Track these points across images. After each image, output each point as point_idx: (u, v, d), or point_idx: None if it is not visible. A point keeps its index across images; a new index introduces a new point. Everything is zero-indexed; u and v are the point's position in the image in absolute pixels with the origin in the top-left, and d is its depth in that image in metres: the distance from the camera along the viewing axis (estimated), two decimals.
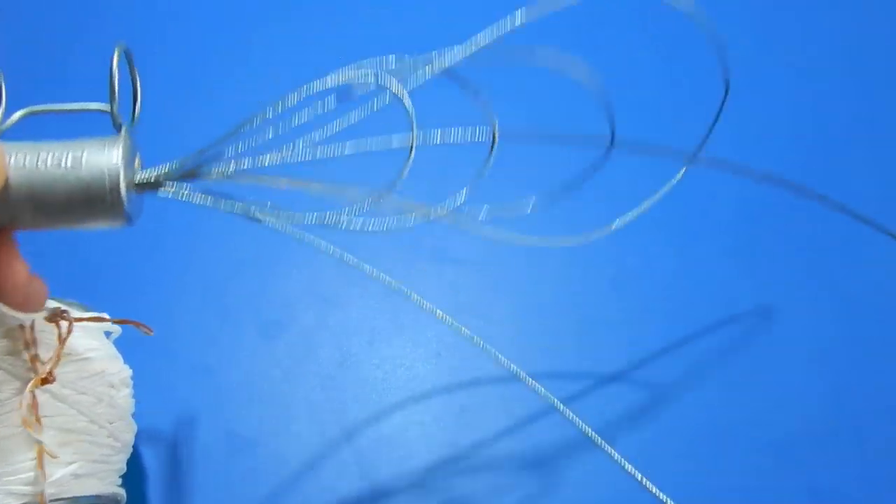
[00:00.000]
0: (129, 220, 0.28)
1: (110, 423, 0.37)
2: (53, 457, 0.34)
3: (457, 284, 0.49)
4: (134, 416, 0.39)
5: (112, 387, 0.37)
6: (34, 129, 0.29)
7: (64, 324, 0.34)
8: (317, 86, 0.26)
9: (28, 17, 0.58)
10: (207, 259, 0.49)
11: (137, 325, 0.39)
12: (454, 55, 0.25)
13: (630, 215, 0.34)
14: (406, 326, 0.48)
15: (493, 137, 0.27)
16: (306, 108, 0.27)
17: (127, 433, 0.38)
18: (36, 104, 0.30)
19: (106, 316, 0.38)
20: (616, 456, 0.40)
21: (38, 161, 0.27)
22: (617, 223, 0.33)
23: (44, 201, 0.27)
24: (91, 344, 0.37)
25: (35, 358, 0.34)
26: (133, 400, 0.39)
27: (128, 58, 0.29)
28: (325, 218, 0.28)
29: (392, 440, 0.44)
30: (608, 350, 0.47)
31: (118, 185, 0.27)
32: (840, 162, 0.54)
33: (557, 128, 0.52)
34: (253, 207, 0.29)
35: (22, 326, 0.33)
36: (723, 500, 0.43)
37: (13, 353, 0.33)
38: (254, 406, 0.45)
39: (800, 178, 0.55)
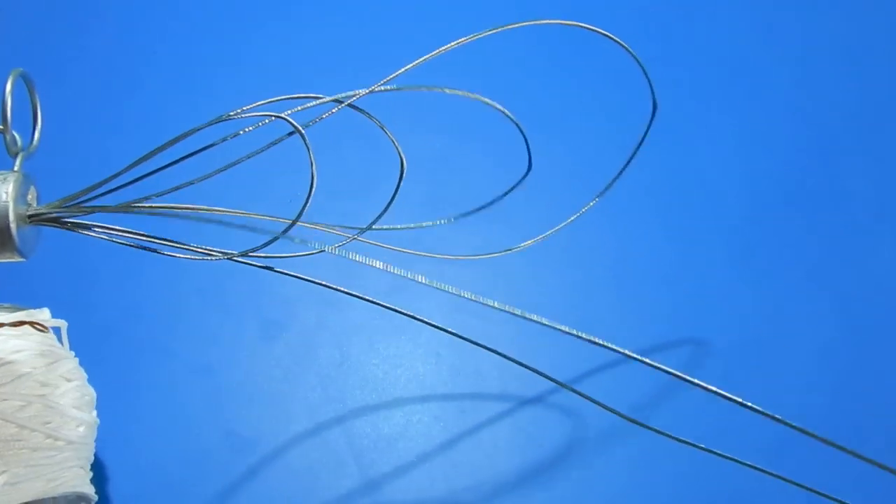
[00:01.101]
0: (22, 255, 0.28)
1: (46, 424, 0.35)
2: None
3: (456, 285, 0.49)
4: (97, 406, 0.38)
5: (45, 385, 0.36)
6: None
7: None
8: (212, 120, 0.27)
9: None
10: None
11: (32, 324, 0.37)
12: (360, 93, 0.26)
13: (539, 238, 0.35)
14: (406, 326, 0.48)
15: (402, 166, 0.28)
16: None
17: (72, 429, 0.37)
18: None
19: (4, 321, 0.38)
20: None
21: None
22: (526, 244, 0.34)
23: None
24: (15, 345, 0.36)
25: None
26: (89, 390, 0.38)
27: (27, 83, 0.30)
28: (229, 253, 0.28)
29: (392, 440, 0.44)
30: (608, 349, 0.47)
31: (7, 225, 0.27)
32: (840, 162, 0.54)
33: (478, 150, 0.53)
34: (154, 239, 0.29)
35: None
36: (722, 500, 0.43)
37: None
38: (254, 406, 0.45)
39: (799, 178, 0.55)
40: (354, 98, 0.26)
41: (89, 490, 0.37)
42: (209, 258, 0.29)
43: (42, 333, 0.38)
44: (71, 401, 0.37)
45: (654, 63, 0.33)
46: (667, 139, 0.52)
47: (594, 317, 0.48)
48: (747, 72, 0.58)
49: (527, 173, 0.30)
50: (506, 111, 0.26)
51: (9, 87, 0.29)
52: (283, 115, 0.26)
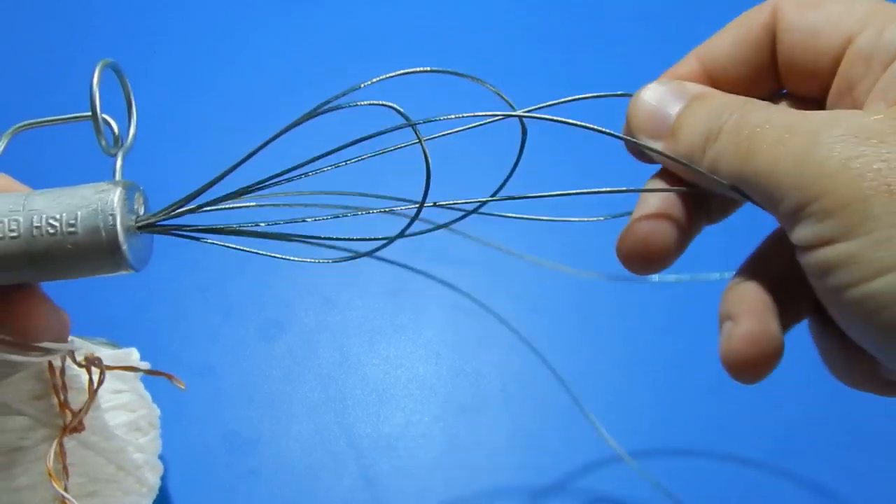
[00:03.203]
0: (134, 269, 0.27)
1: (137, 469, 0.36)
2: None
3: (457, 284, 0.49)
4: (161, 457, 0.38)
5: (138, 430, 0.36)
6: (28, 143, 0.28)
7: (96, 371, 0.33)
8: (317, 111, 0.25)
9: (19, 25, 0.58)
10: (208, 259, 0.49)
11: (170, 377, 0.36)
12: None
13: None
14: (406, 326, 0.48)
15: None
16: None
17: (154, 476, 0.37)
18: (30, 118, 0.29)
19: (138, 364, 0.37)
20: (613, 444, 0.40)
21: (31, 227, 0.26)
22: None
23: (45, 268, 0.26)
24: (119, 387, 0.36)
25: (64, 404, 0.32)
26: (160, 441, 0.38)
27: (117, 74, 0.28)
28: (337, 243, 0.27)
29: (392, 440, 0.44)
30: (609, 349, 0.47)
31: (118, 246, 0.26)
32: None
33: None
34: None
35: (52, 369, 0.32)
36: (723, 499, 0.43)
37: (42, 397, 0.32)
38: (254, 406, 0.45)
39: None
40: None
41: None
42: (335, 261, 0.28)
43: (134, 376, 0.38)
44: (155, 448, 0.38)
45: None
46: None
47: (594, 316, 0.48)
48: None
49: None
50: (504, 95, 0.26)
51: (96, 78, 0.27)
52: (393, 105, 0.24)
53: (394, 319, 0.48)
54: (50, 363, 0.32)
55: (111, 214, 0.25)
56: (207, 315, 0.48)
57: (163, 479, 0.40)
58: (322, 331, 0.48)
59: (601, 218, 0.30)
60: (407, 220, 0.26)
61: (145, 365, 0.38)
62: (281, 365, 0.46)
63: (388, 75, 0.25)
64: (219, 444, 0.44)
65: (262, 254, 0.28)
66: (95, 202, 0.26)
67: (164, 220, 0.27)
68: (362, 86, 0.25)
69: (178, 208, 0.27)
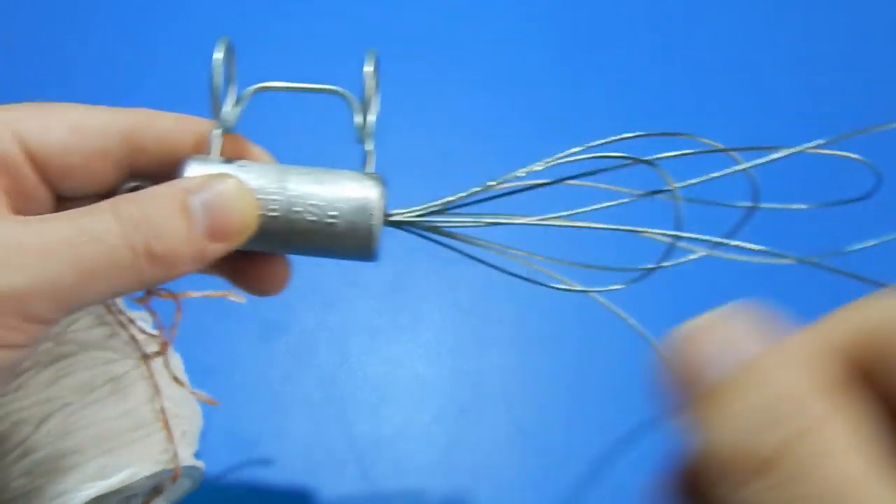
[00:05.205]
0: (375, 258, 0.28)
1: (182, 435, 0.37)
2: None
3: (457, 284, 0.49)
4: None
5: (192, 392, 0.38)
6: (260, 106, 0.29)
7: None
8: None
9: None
10: None
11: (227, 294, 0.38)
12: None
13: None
14: (406, 326, 0.48)
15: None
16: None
17: (185, 452, 0.38)
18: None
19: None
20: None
21: (291, 209, 0.26)
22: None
23: (295, 246, 0.27)
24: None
25: (133, 339, 0.35)
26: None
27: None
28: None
29: (392, 440, 0.44)
30: (609, 347, 0.47)
31: (374, 242, 0.27)
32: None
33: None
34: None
35: (112, 311, 0.34)
36: None
37: (112, 335, 0.34)
38: (254, 406, 0.45)
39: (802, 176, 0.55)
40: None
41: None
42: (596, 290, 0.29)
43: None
44: (195, 430, 0.39)
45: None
46: None
47: (594, 315, 0.48)
48: (748, 69, 0.58)
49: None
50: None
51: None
52: (649, 159, 0.25)
53: (394, 319, 0.48)
54: (107, 306, 0.34)
55: (371, 213, 0.26)
56: (207, 315, 0.48)
57: None
58: (322, 331, 0.48)
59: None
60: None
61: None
62: (281, 365, 0.46)
63: (631, 135, 0.26)
64: (219, 444, 0.44)
65: (530, 280, 0.29)
66: (358, 197, 0.26)
67: (414, 218, 0.28)
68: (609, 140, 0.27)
69: (428, 212, 0.28)
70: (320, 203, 0.26)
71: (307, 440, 0.44)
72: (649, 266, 0.28)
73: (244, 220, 0.26)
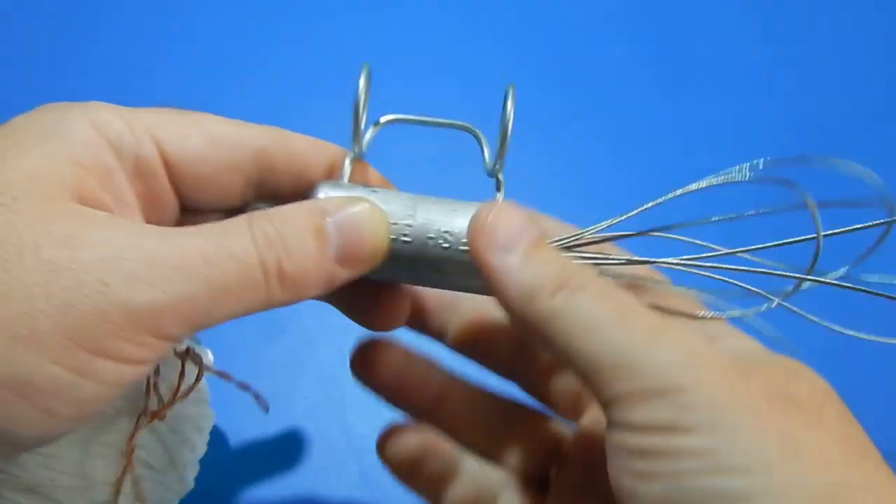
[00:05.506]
0: None
1: (184, 468, 0.36)
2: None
3: None
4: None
5: (197, 430, 0.37)
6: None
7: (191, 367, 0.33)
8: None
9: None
10: None
11: (256, 396, 0.38)
12: None
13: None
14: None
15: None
16: None
17: (191, 476, 0.37)
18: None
19: (231, 376, 0.38)
20: None
21: (425, 236, 0.26)
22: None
23: (424, 275, 0.27)
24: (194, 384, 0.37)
25: (154, 387, 0.32)
26: (206, 445, 0.38)
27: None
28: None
29: None
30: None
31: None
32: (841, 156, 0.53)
33: None
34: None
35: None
36: None
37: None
38: (253, 406, 0.45)
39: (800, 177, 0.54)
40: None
41: None
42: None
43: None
44: (202, 449, 0.37)
45: None
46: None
47: None
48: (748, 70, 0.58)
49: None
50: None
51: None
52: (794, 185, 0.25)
53: None
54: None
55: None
56: None
57: None
58: (322, 331, 0.48)
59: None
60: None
61: (229, 376, 0.38)
62: (281, 365, 0.46)
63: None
64: (219, 444, 0.44)
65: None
66: None
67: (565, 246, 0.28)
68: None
69: (579, 239, 0.27)
70: (455, 231, 0.26)
71: (307, 440, 0.44)
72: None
73: (376, 245, 0.26)
